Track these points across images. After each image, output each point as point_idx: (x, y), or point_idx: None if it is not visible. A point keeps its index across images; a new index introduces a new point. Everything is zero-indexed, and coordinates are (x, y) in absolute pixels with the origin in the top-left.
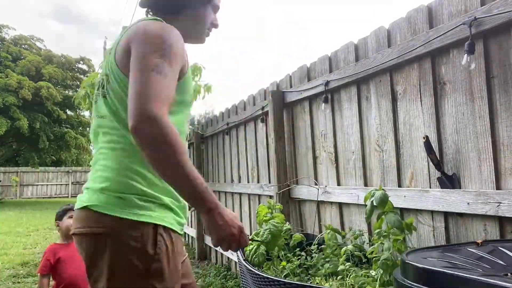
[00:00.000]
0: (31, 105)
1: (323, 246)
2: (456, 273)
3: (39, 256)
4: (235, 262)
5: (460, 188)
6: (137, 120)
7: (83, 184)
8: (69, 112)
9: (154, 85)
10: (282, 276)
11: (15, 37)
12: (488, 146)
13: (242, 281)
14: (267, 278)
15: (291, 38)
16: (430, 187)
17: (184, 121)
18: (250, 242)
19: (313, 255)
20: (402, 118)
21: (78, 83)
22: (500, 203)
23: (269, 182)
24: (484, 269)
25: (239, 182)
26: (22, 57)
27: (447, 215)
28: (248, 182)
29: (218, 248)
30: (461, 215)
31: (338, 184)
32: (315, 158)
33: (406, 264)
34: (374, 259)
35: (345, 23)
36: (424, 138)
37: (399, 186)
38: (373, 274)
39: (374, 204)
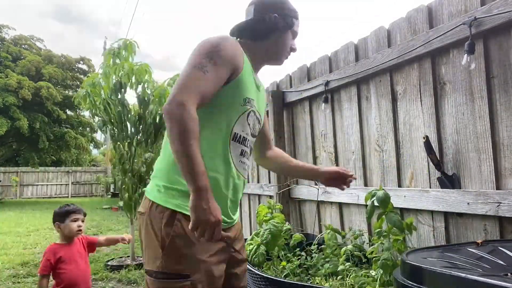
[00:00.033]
0: (31, 105)
1: (323, 246)
2: (456, 273)
3: (39, 256)
4: None
5: (460, 188)
6: (167, 101)
7: (83, 184)
8: (69, 112)
9: (191, 78)
10: (282, 276)
11: (15, 37)
12: (488, 146)
13: None
14: (267, 278)
15: None
16: (430, 187)
17: (229, 120)
18: (250, 242)
19: (313, 255)
20: (402, 118)
21: (78, 83)
22: (500, 203)
23: (269, 182)
24: (484, 269)
25: None
26: (22, 57)
27: (447, 215)
28: (248, 182)
29: None
30: (461, 215)
31: None
32: (315, 158)
33: (406, 264)
34: (374, 259)
35: (345, 23)
36: (424, 138)
37: (399, 186)
38: (373, 274)
39: (375, 204)
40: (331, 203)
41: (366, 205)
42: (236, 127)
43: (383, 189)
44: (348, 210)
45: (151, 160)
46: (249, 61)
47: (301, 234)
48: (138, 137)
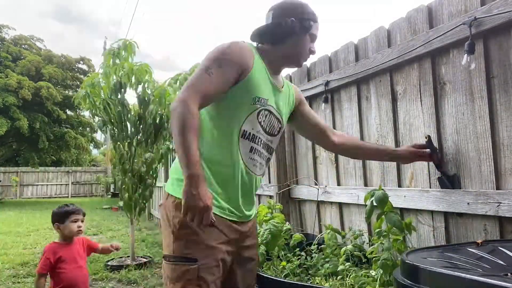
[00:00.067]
0: (31, 105)
1: (323, 246)
2: (456, 273)
3: (39, 256)
4: None
5: (460, 188)
6: (173, 101)
7: (83, 184)
8: (69, 112)
9: (197, 79)
10: (282, 276)
11: (15, 37)
12: (488, 146)
13: None
14: (267, 278)
15: None
16: (430, 187)
17: (239, 118)
18: None
19: (313, 255)
20: (402, 118)
21: (78, 83)
22: (500, 203)
23: (269, 182)
24: (484, 269)
25: None
26: (22, 57)
27: (447, 215)
28: None
29: None
30: (461, 215)
31: (338, 184)
32: (315, 158)
33: (406, 264)
34: (374, 259)
35: (345, 23)
36: (426, 137)
37: (399, 186)
38: (373, 274)
39: (374, 204)
40: (331, 203)
41: (366, 205)
42: (245, 125)
43: (382, 189)
44: (348, 210)
45: (151, 160)
46: (262, 62)
47: (301, 234)
48: (138, 137)
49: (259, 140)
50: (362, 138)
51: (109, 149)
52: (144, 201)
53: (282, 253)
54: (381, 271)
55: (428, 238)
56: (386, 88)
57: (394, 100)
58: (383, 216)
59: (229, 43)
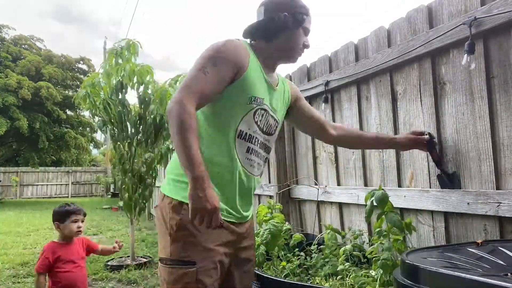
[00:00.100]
0: (30, 105)
1: (322, 246)
2: (456, 273)
3: (39, 256)
4: None
5: (459, 187)
6: (169, 102)
7: (83, 184)
8: (69, 112)
9: (192, 79)
10: (282, 276)
11: (15, 37)
12: (488, 146)
13: None
14: (267, 278)
15: None
16: (430, 187)
17: (235, 118)
18: None
19: (313, 255)
20: (402, 118)
21: (78, 83)
22: (500, 203)
23: (269, 182)
24: (484, 269)
25: None
26: (22, 57)
27: (447, 215)
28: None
29: None
30: (461, 215)
31: (338, 184)
32: (315, 158)
33: (406, 264)
34: (374, 259)
35: (345, 23)
36: (426, 134)
37: (399, 186)
38: (373, 274)
39: (374, 204)
40: (331, 203)
41: (366, 205)
42: (241, 125)
43: (382, 189)
44: (348, 210)
45: (151, 160)
46: (257, 61)
47: (301, 234)
48: (138, 137)
49: (256, 140)
50: None
51: (109, 149)
52: (144, 201)
53: (282, 253)
54: (381, 271)
55: (428, 238)
56: (386, 88)
57: (394, 100)
58: (383, 216)
59: (224, 41)
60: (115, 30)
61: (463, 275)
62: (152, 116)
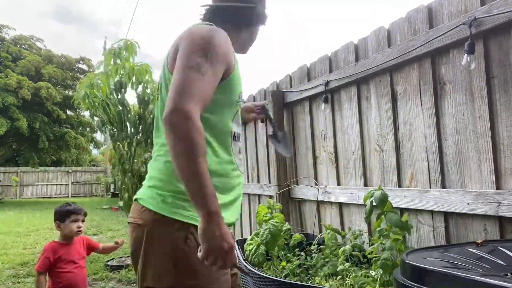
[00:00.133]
0: (30, 105)
1: (322, 246)
2: (456, 273)
3: (39, 256)
4: None
5: (286, 145)
6: (169, 111)
7: (83, 184)
8: (69, 112)
9: (191, 82)
10: (282, 276)
11: (15, 37)
12: (488, 146)
13: (242, 281)
14: (267, 278)
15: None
16: (430, 187)
17: (228, 120)
18: (250, 242)
19: (313, 255)
20: (402, 118)
21: (78, 83)
22: (500, 203)
23: (269, 182)
24: (484, 269)
25: None
26: (22, 57)
27: (447, 215)
28: (248, 182)
29: None
30: (461, 215)
31: (338, 184)
32: (315, 158)
33: (406, 264)
34: (374, 259)
35: (345, 23)
36: (266, 104)
37: (399, 186)
38: (373, 274)
39: (374, 204)
40: (331, 203)
41: (366, 205)
42: (233, 126)
43: (382, 189)
44: (348, 210)
45: None
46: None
47: (301, 234)
48: (138, 137)
49: (240, 136)
50: (362, 138)
51: (108, 149)
52: None
53: (282, 253)
54: (381, 271)
55: (428, 238)
56: (386, 88)
57: (394, 100)
58: (383, 216)
59: (210, 31)
60: (115, 30)
61: (463, 275)
62: (151, 116)
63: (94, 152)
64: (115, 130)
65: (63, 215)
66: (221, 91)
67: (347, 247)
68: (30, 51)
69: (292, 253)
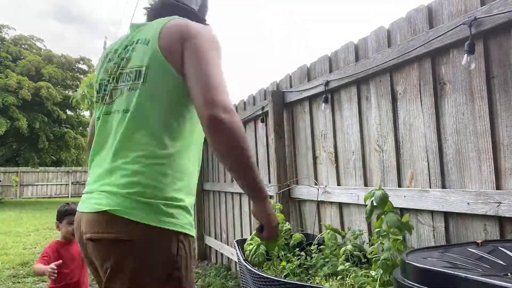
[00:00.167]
0: (30, 105)
1: (322, 246)
2: (456, 273)
3: (39, 256)
4: (235, 262)
5: None
6: (213, 109)
7: (83, 184)
8: (69, 112)
9: (221, 78)
10: (282, 276)
11: (15, 37)
12: (488, 146)
13: (242, 281)
14: (267, 278)
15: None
16: (430, 187)
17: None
18: (249, 242)
19: (313, 255)
20: (402, 118)
21: (78, 83)
22: (500, 203)
23: (269, 182)
24: (484, 269)
25: None
26: (22, 57)
27: (447, 215)
28: None
29: (219, 248)
30: (461, 215)
31: (338, 184)
32: (315, 158)
33: (406, 264)
34: (374, 259)
35: (345, 23)
36: None
37: (399, 186)
38: (373, 274)
39: (374, 204)
40: (331, 203)
41: (366, 205)
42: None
43: (382, 189)
44: (348, 210)
45: None
46: None
47: (301, 234)
48: None
49: None
50: (362, 138)
51: None
52: None
53: (282, 253)
54: (381, 271)
55: (428, 238)
56: (386, 88)
57: (394, 100)
58: (383, 216)
59: (212, 31)
60: (115, 30)
61: (463, 275)
62: None
63: None
64: None
65: (61, 215)
66: None
67: (349, 246)
68: (30, 51)
69: (292, 253)
